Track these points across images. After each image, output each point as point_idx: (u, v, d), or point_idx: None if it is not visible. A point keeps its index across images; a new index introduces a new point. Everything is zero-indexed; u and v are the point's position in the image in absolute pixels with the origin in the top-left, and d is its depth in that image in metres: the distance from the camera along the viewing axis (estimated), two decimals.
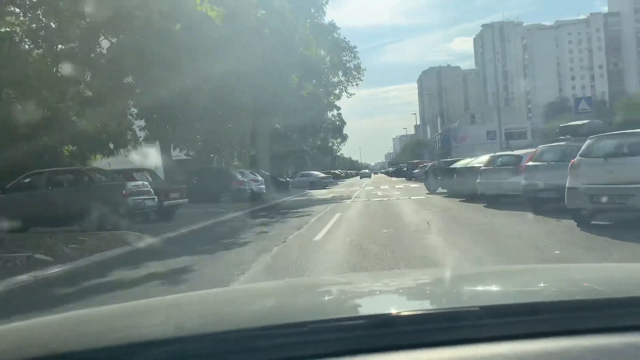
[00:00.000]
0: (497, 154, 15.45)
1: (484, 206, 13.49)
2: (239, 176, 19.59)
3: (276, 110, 21.78)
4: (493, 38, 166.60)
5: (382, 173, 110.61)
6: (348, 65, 35.52)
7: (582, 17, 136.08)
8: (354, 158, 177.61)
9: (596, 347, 0.90)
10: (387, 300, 1.38)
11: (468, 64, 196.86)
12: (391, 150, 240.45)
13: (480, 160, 17.57)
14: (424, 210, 13.52)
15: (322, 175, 35.45)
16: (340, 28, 36.14)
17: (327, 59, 33.96)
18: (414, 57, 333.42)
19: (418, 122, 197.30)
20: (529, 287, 1.43)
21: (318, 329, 0.96)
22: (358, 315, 1.10)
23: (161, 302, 1.56)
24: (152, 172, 14.82)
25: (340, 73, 35.77)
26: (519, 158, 13.53)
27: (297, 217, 13.99)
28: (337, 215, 13.20)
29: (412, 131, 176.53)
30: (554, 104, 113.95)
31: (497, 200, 13.68)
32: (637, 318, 0.98)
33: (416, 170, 41.04)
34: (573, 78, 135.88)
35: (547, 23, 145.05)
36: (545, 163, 11.13)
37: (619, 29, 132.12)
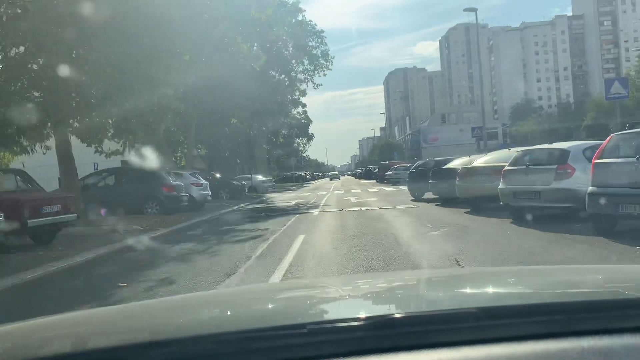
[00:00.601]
0: (529, 148, 11.20)
1: (512, 222, 9.27)
2: (171, 179, 14.78)
3: (220, 90, 17.04)
4: (458, 40, 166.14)
5: (349, 175, 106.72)
6: (314, 51, 30.97)
7: (548, 19, 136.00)
8: (320, 160, 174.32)
9: (594, 348, 0.89)
10: (386, 302, 1.36)
11: (431, 67, 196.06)
12: (357, 153, 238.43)
13: (486, 160, 13.46)
14: (428, 229, 9.15)
15: (263, 178, 31.11)
16: (305, 10, 31.69)
17: (290, 44, 29.46)
18: (379, 60, 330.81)
19: (384, 124, 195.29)
20: (528, 288, 1.40)
21: (317, 331, 0.94)
22: (357, 316, 1.03)
23: (159, 304, 1.61)
24: (23, 175, 9.91)
25: (306, 61, 31.20)
26: (564, 154, 9.33)
27: (239, 240, 9.40)
28: (300, 238, 8.69)
29: (378, 133, 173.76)
30: (519, 106, 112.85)
31: (528, 213, 9.47)
32: (635, 320, 0.97)
33: (389, 172, 36.95)
34: (539, 80, 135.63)
35: (514, 25, 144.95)
36: (634, 160, 6.94)
37: (583, 32, 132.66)
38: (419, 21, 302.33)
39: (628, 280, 1.36)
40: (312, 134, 49.62)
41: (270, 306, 1.39)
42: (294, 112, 48.23)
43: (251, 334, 0.96)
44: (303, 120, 48.96)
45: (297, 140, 50.09)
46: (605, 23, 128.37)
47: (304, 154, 69.10)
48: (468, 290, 1.44)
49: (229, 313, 1.30)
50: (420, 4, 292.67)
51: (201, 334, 0.99)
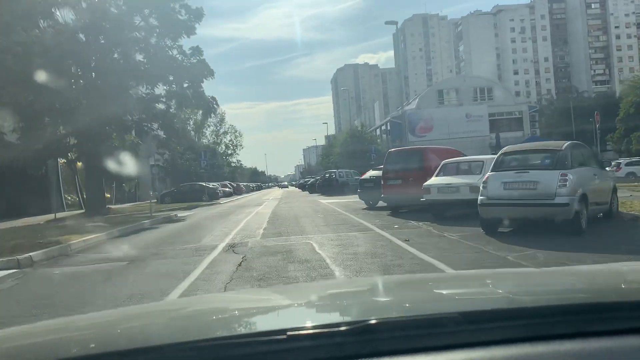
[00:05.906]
0: None
1: None
2: None
3: None
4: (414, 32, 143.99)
5: (293, 186, 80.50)
6: None
7: (526, 1, 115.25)
8: (259, 169, 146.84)
9: (571, 351, 0.89)
10: (366, 307, 1.31)
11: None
12: (301, 162, 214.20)
13: None
14: None
15: None
16: None
17: None
18: (322, 71, 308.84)
19: (333, 132, 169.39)
20: (506, 292, 1.37)
21: (297, 337, 0.91)
22: (338, 322, 1.00)
23: (136, 310, 1.57)
24: None
25: None
26: None
27: None
28: None
29: (323, 142, 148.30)
30: None
31: None
32: (611, 323, 0.97)
33: (448, 179, 10.61)
34: (516, 72, 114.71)
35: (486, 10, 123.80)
36: None
37: (566, 17, 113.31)
38: (360, 34, 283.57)
39: (604, 283, 1.35)
40: (213, 100, 22.42)
41: (249, 312, 1.35)
42: (173, 48, 21.28)
43: (231, 340, 0.93)
44: (187, 63, 21.72)
45: (179, 109, 22.78)
46: (592, 6, 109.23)
47: (226, 152, 41.55)
48: (448, 295, 1.41)
49: (208, 319, 1.27)
50: (359, 17, 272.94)
51: (179, 340, 0.94)
